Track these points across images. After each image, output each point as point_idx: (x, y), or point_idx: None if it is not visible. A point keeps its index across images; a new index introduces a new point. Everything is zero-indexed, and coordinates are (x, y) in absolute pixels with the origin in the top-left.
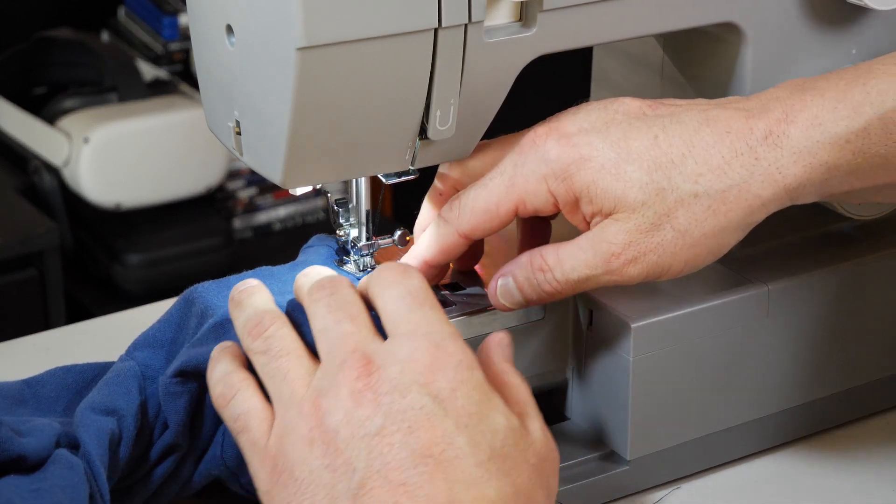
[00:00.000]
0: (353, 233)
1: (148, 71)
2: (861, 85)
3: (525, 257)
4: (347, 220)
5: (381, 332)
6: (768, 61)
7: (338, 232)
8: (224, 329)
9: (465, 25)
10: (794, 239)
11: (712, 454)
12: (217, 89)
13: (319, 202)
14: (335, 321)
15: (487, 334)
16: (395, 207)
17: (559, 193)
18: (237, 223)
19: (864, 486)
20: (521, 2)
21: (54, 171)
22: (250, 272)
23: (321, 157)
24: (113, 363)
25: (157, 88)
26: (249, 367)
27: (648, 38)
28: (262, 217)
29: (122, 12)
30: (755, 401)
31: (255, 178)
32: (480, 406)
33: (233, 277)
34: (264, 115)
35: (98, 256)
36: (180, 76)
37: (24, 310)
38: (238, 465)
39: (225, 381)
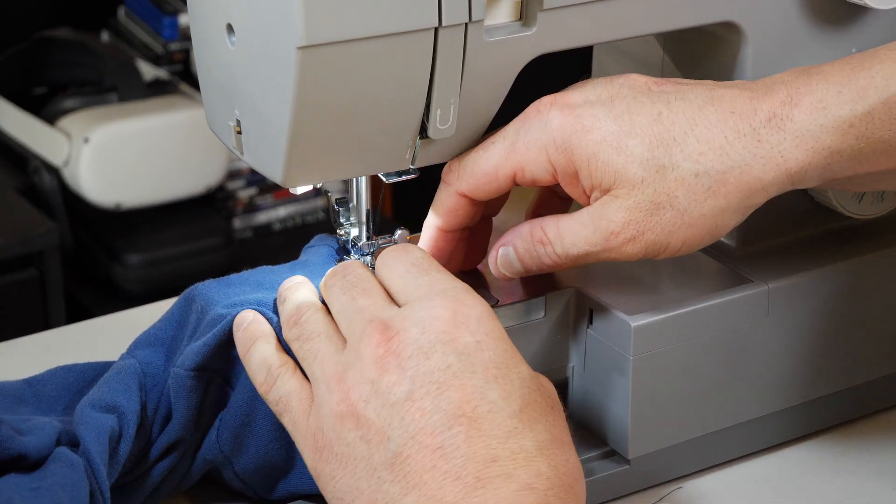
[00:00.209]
0: (354, 232)
1: (148, 71)
2: (866, 69)
3: (526, 228)
4: (348, 219)
5: None
6: (768, 61)
7: (338, 231)
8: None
9: (466, 25)
10: (793, 238)
11: (712, 453)
12: (217, 89)
13: (319, 202)
14: (350, 299)
15: None
16: (395, 207)
17: (559, 164)
18: (237, 223)
19: (864, 485)
20: (521, 1)
21: (54, 171)
22: (251, 271)
23: (321, 157)
24: (113, 363)
25: (157, 88)
26: (291, 353)
27: (648, 37)
28: (262, 217)
29: (122, 12)
30: (755, 400)
31: (255, 178)
32: (506, 356)
33: (233, 277)
34: (265, 114)
35: (98, 256)
36: (180, 76)
37: (24, 310)
38: (232, 450)
39: (265, 366)
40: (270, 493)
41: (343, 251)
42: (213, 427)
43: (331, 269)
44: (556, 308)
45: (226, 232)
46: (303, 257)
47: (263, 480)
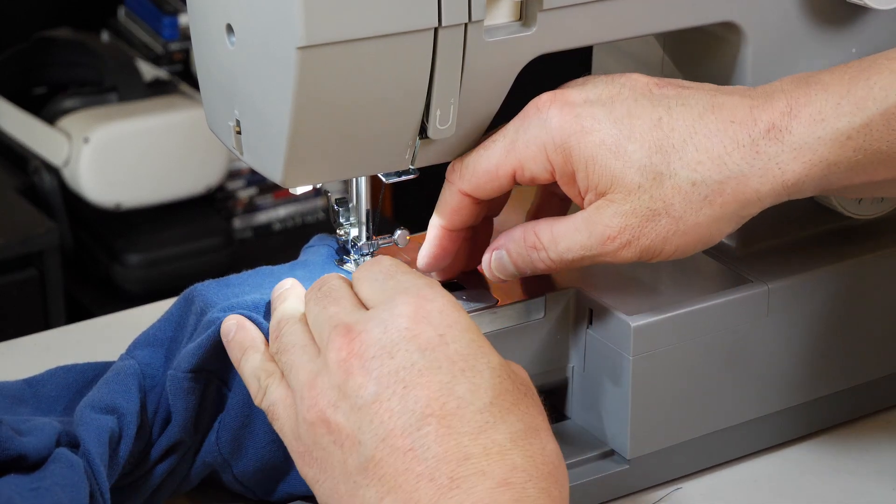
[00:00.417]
0: (354, 232)
1: (148, 71)
2: (864, 80)
3: (518, 232)
4: (347, 219)
5: None
6: (768, 61)
7: (338, 231)
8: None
9: (465, 25)
10: (793, 238)
11: (712, 454)
12: (217, 89)
13: (319, 202)
14: (322, 308)
15: (489, 334)
16: (395, 207)
17: (557, 163)
18: (237, 223)
19: (864, 485)
20: (521, 1)
21: (54, 171)
22: (250, 272)
23: (321, 157)
24: (113, 363)
25: (157, 88)
26: None
27: (648, 37)
28: (262, 217)
29: (122, 12)
30: (755, 400)
31: (255, 178)
32: (473, 346)
33: (233, 277)
34: (265, 114)
35: (98, 256)
36: (180, 76)
37: (24, 310)
38: (231, 453)
39: (255, 376)
40: (270, 495)
41: (343, 251)
42: (212, 429)
43: (310, 287)
44: (556, 308)
45: (226, 232)
46: (302, 257)
47: (263, 482)
